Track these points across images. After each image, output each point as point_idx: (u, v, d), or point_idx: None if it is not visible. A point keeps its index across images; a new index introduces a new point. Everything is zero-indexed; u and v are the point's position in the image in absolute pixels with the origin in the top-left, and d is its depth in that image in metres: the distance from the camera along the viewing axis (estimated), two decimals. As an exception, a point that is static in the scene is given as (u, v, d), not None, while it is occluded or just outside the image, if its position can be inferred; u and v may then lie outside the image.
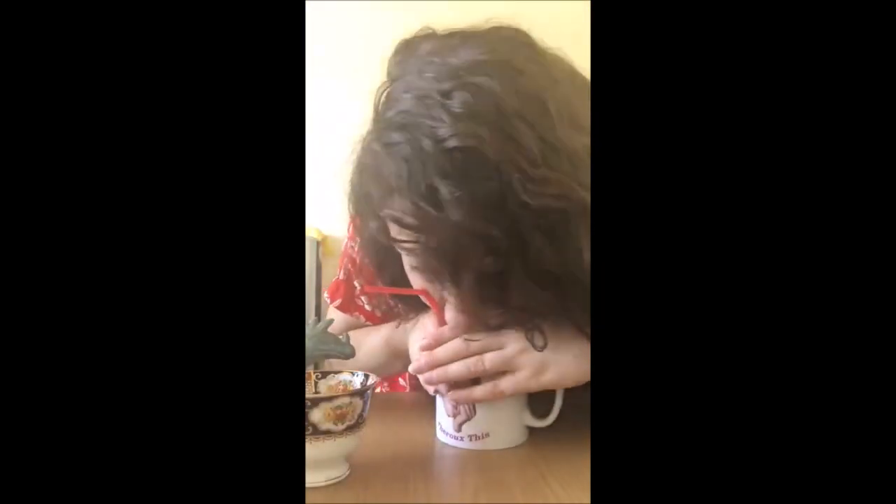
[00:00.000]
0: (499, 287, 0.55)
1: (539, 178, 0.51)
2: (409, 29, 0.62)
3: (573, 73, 0.61)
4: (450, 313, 0.60)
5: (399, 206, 0.55)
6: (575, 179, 0.52)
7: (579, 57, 0.59)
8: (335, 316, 0.81)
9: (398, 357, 0.72)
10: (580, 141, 0.53)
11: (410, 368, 0.63)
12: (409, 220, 0.54)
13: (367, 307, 0.80)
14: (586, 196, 0.52)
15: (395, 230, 0.57)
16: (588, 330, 0.57)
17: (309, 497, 0.49)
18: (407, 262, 0.62)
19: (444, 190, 0.51)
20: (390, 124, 0.56)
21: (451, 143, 0.51)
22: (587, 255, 0.52)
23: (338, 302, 0.81)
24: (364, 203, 0.61)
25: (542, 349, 0.59)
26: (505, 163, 0.51)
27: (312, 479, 0.52)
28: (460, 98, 0.52)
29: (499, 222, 0.52)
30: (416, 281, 0.62)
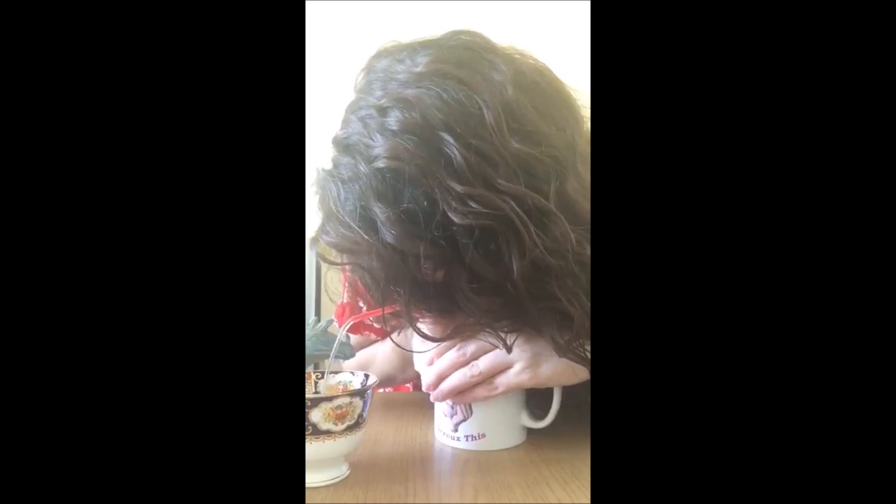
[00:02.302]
0: (445, 297, 0.54)
1: (463, 194, 0.49)
2: (408, 28, 0.62)
3: (526, 76, 0.56)
4: (426, 326, 0.59)
5: (335, 231, 0.54)
6: (512, 190, 0.50)
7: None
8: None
9: (409, 363, 0.72)
10: (523, 148, 0.51)
11: (423, 387, 0.63)
12: (345, 244, 0.54)
13: (375, 325, 0.81)
14: (518, 208, 0.50)
15: (334, 254, 0.57)
16: (545, 333, 0.56)
17: (309, 497, 0.50)
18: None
19: (378, 211, 0.50)
20: (338, 146, 0.56)
21: (380, 163, 0.50)
22: (517, 267, 0.51)
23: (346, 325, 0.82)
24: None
25: (511, 350, 0.58)
26: (430, 179, 0.49)
27: (312, 479, 0.52)
28: (394, 115, 0.51)
29: (430, 239, 0.50)
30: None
